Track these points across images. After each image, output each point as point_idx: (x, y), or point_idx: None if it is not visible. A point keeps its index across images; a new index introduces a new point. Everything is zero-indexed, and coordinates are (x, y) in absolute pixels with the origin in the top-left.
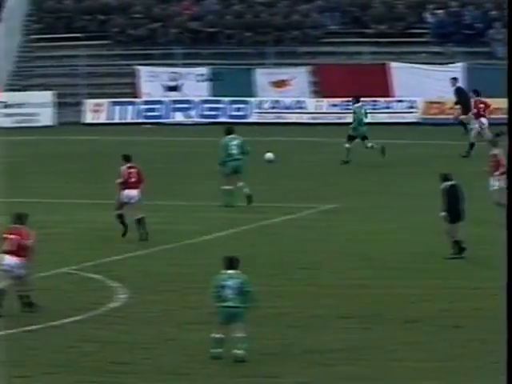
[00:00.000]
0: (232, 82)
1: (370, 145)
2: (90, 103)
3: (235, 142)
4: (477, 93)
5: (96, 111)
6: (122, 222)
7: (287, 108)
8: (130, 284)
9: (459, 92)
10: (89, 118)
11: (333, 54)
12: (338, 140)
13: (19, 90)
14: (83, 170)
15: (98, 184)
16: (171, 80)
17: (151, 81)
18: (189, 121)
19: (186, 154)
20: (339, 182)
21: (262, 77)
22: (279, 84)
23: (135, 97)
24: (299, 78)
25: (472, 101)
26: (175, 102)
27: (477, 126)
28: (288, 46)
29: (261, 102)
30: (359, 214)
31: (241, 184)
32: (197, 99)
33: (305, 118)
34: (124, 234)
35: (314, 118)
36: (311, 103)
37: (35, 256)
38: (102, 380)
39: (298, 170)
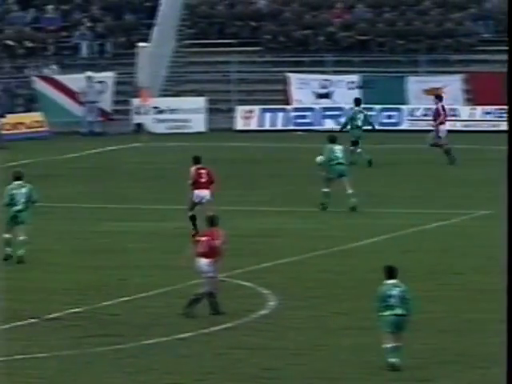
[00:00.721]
0: (383, 90)
1: (359, 151)
2: (241, 110)
3: (338, 147)
4: (440, 98)
5: (247, 118)
6: (194, 224)
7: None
8: (280, 290)
9: None
10: (240, 124)
11: (486, 62)
12: (492, 147)
13: (172, 96)
14: (233, 177)
15: (248, 191)
16: (322, 87)
17: (302, 88)
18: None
19: None
20: (493, 187)
21: (415, 85)
22: (432, 92)
23: (287, 104)
24: (452, 85)
25: (434, 107)
26: (326, 109)
27: (433, 133)
28: (441, 54)
29: (413, 110)
30: None
31: (350, 192)
32: (347, 106)
33: (458, 126)
34: (194, 235)
35: (467, 126)
36: (464, 111)
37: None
38: None
39: (452, 177)
